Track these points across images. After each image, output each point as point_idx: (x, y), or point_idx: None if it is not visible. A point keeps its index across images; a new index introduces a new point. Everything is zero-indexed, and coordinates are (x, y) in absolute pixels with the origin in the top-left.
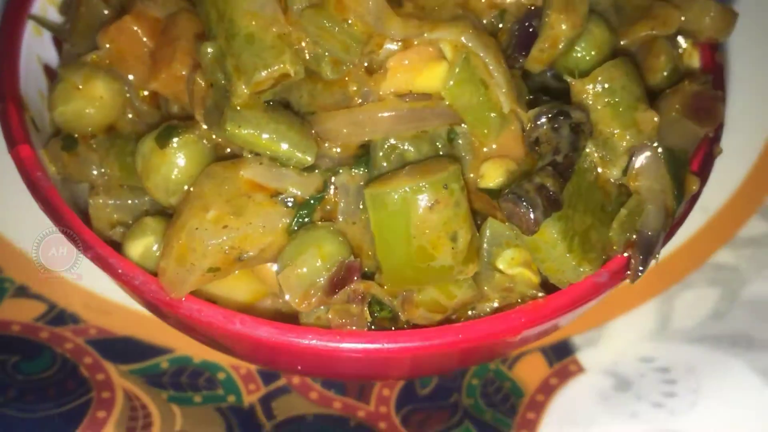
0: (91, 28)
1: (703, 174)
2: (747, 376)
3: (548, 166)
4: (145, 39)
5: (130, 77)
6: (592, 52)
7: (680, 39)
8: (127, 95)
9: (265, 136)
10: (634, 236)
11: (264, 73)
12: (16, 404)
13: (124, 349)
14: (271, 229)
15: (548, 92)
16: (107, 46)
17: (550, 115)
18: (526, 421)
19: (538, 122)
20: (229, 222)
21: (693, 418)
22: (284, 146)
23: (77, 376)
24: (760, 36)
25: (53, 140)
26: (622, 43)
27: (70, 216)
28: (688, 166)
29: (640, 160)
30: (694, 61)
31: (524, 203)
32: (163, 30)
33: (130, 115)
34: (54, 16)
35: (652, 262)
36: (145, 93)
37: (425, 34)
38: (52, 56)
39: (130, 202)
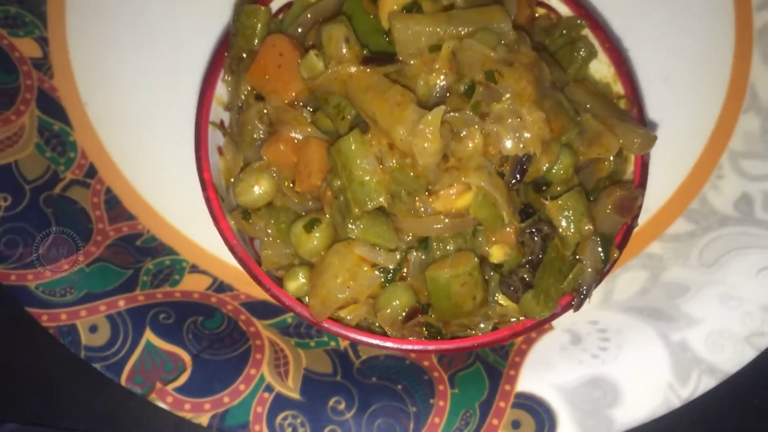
0: (254, 140)
1: (623, 244)
2: (652, 338)
3: (526, 264)
4: (290, 154)
5: (283, 176)
6: (561, 171)
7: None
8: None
9: (369, 232)
10: (577, 287)
11: (370, 205)
12: (209, 350)
13: (263, 309)
14: (372, 285)
15: (536, 189)
16: (266, 158)
17: (531, 229)
18: (514, 363)
19: (525, 232)
20: (349, 284)
21: (615, 365)
22: (379, 239)
23: (239, 329)
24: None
25: (236, 212)
26: (581, 158)
27: (251, 263)
28: (613, 242)
29: (584, 248)
30: (630, 164)
31: (512, 288)
32: (300, 148)
33: (281, 196)
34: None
35: (587, 301)
36: (291, 185)
37: (462, 179)
38: (220, 139)
39: (286, 251)
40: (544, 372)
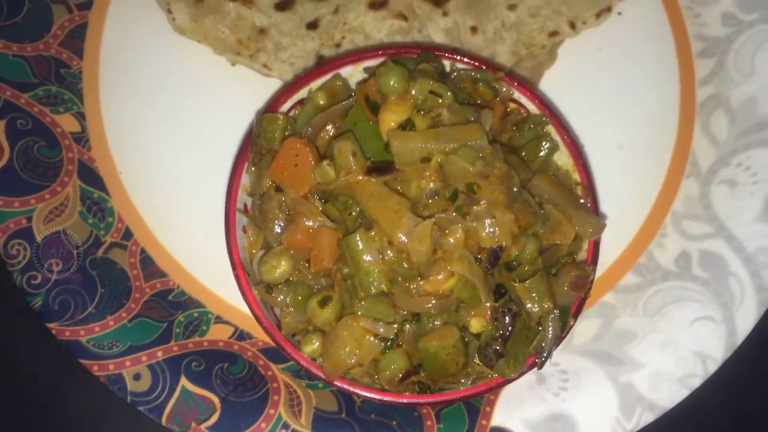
0: (275, 225)
1: (577, 313)
2: (603, 379)
3: (499, 338)
4: (306, 240)
5: (300, 257)
6: (527, 255)
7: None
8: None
9: (372, 310)
10: (540, 350)
11: (373, 291)
12: (234, 394)
13: (278, 354)
14: (375, 352)
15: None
16: (286, 243)
17: (503, 309)
18: (489, 401)
19: (498, 310)
20: (356, 351)
21: (573, 403)
22: (380, 315)
23: (258, 374)
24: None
25: (260, 286)
26: (544, 243)
27: (274, 331)
28: (569, 312)
29: (546, 319)
30: (585, 243)
31: (487, 358)
32: (314, 236)
33: (298, 273)
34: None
35: (548, 361)
36: (307, 265)
37: (448, 267)
38: (243, 219)
39: (302, 319)
40: (515, 408)
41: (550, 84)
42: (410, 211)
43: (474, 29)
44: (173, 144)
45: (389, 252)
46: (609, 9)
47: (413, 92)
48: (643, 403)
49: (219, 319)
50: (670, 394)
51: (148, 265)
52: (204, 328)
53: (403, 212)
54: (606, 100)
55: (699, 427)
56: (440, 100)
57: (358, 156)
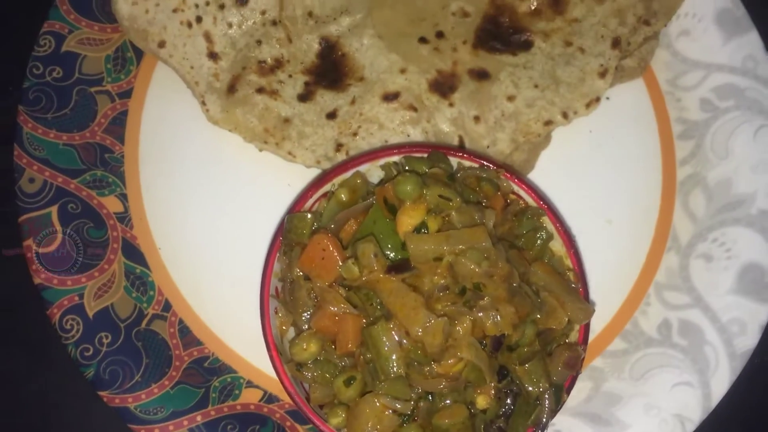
0: (304, 310)
1: (570, 387)
2: None
3: (502, 415)
4: (332, 326)
5: (327, 340)
6: (526, 339)
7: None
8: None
9: (391, 389)
10: (538, 422)
11: (392, 375)
12: None
13: (302, 416)
14: (393, 426)
15: (509, 350)
16: (314, 328)
17: (506, 390)
18: None
19: (501, 390)
20: (377, 426)
21: None
22: (398, 393)
23: None
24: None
25: (291, 364)
26: (540, 327)
27: (303, 402)
28: (563, 388)
29: (542, 396)
30: (577, 326)
31: None
32: (339, 321)
33: (325, 353)
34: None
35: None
36: (333, 347)
37: (458, 354)
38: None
39: (329, 392)
40: None
41: (546, 164)
42: (425, 307)
43: (477, 118)
44: (208, 222)
45: (406, 341)
46: (598, 99)
47: (426, 197)
48: None
49: (250, 384)
50: None
51: (186, 335)
52: (237, 392)
53: (419, 309)
54: (596, 178)
55: None
56: (450, 203)
57: (379, 257)
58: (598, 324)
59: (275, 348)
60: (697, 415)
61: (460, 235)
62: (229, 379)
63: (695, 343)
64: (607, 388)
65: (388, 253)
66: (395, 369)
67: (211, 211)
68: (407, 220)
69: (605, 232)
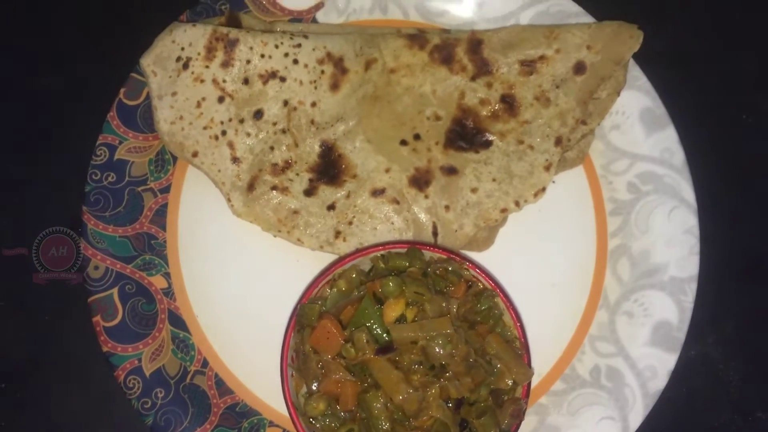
0: (314, 377)
1: (516, 430)
2: None
3: None
4: (335, 390)
5: (332, 399)
6: (482, 398)
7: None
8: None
9: None
10: None
11: (381, 429)
12: None
13: None
14: None
15: (468, 404)
16: (322, 391)
17: None
18: None
19: None
20: None
21: None
22: None
23: None
24: None
25: (305, 417)
26: (492, 387)
27: None
28: None
29: None
30: (519, 388)
31: None
32: (341, 386)
33: (331, 409)
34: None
35: None
36: (337, 406)
37: (429, 413)
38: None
39: None
40: None
41: (503, 238)
42: (404, 381)
43: (447, 207)
44: (235, 293)
45: (390, 405)
46: (543, 189)
47: (405, 293)
48: None
49: (272, 424)
50: None
51: (221, 386)
52: (262, 430)
53: (400, 383)
54: (543, 248)
55: None
56: (423, 297)
57: (369, 342)
58: (544, 367)
59: (293, 405)
60: None
61: (431, 325)
62: (255, 420)
63: (618, 384)
64: (550, 422)
65: (377, 335)
66: (383, 425)
67: (237, 285)
68: (391, 313)
69: (550, 293)
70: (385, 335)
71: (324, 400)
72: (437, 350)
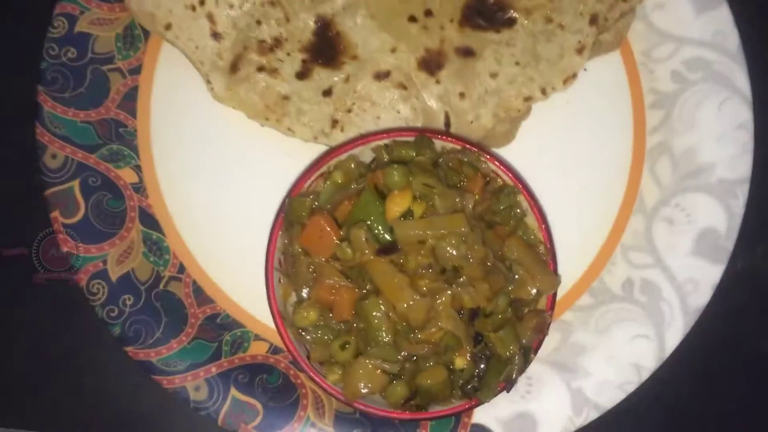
0: (304, 282)
1: (537, 348)
2: (559, 384)
3: (476, 377)
4: (329, 297)
5: (325, 308)
6: (500, 309)
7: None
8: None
9: (381, 353)
10: (508, 379)
11: (381, 343)
12: (272, 400)
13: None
14: (383, 384)
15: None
16: (313, 298)
17: (480, 355)
18: None
19: (476, 354)
20: (369, 384)
21: (536, 404)
22: (387, 356)
23: (290, 382)
24: None
25: (293, 329)
26: (512, 297)
27: (304, 361)
28: (531, 350)
29: (512, 359)
30: (543, 299)
31: (467, 393)
32: (335, 292)
33: (323, 320)
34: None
35: (513, 387)
36: (331, 315)
37: (438, 324)
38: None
39: (327, 353)
40: (490, 408)
41: (525, 133)
42: (410, 286)
43: (462, 95)
44: (216, 190)
45: (394, 315)
46: (575, 75)
47: (412, 185)
48: (590, 404)
49: (257, 337)
50: (611, 397)
51: (200, 295)
52: (246, 345)
53: (405, 288)
54: (571, 146)
55: (637, 419)
56: (433, 190)
57: (369, 240)
58: (568, 280)
59: (279, 315)
60: (652, 363)
61: (442, 221)
62: (239, 334)
63: (653, 299)
64: (574, 339)
65: (378, 234)
66: (384, 337)
67: (219, 180)
68: (395, 208)
69: (578, 197)
70: (387, 234)
71: (316, 309)
72: (449, 251)
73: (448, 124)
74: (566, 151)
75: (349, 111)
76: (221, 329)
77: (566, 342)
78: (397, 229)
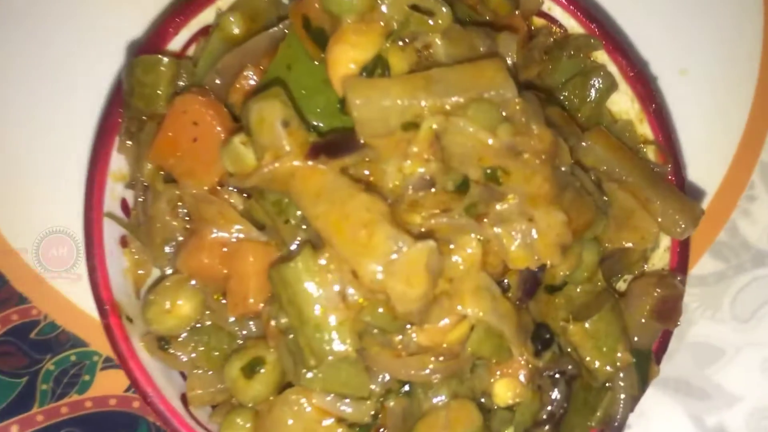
0: (166, 241)
1: (661, 354)
2: (682, 420)
3: (546, 420)
4: (217, 264)
5: (210, 290)
6: (584, 273)
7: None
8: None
9: (332, 381)
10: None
11: (331, 357)
12: None
13: None
14: None
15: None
16: (184, 271)
17: (552, 373)
18: None
19: (541, 370)
20: None
21: None
22: (345, 387)
23: None
24: None
25: (148, 338)
26: (608, 247)
27: (169, 408)
28: (651, 357)
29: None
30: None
31: None
32: (231, 256)
33: (210, 314)
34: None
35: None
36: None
37: (458, 307)
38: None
39: (220, 386)
40: None
41: None
42: (388, 221)
43: None
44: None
45: (354, 290)
46: None
47: (383, 9)
48: None
49: (110, 363)
50: None
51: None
52: (86, 378)
53: (377, 226)
54: (668, 19)
55: None
56: (430, 21)
57: (293, 127)
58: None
59: (114, 310)
60: None
61: (454, 77)
62: (73, 358)
63: None
64: (697, 336)
65: (312, 119)
66: (335, 345)
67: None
68: (347, 54)
69: (678, 90)
70: (332, 116)
71: (190, 295)
72: (477, 137)
73: None
74: (661, 24)
75: None
76: (39, 351)
77: (683, 341)
78: (354, 99)
